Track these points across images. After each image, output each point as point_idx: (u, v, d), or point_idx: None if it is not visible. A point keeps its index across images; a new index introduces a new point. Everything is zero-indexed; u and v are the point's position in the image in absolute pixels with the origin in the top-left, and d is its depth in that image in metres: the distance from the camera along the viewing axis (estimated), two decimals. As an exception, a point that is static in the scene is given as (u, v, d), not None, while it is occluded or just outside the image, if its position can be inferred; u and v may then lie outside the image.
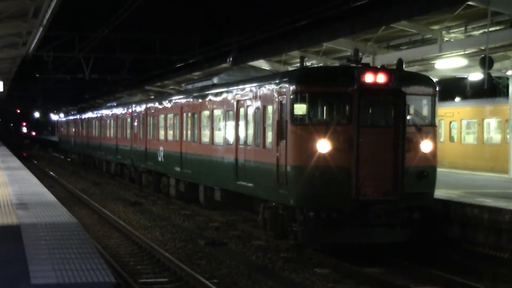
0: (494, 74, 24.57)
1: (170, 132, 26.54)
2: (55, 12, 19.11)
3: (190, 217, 22.97)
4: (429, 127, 15.88)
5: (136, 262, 15.98)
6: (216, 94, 21.19)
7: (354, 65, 16.07)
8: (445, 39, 21.37)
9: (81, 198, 28.75)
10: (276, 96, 16.26)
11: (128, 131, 34.21)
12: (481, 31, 20.67)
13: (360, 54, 16.46)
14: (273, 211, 16.87)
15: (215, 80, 22.89)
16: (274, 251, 16.78)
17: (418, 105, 16.00)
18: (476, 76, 26.92)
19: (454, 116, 31.13)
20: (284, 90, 15.83)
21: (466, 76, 29.95)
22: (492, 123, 29.37)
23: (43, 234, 11.80)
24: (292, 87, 15.53)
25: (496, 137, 28.99)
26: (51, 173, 43.67)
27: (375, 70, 15.58)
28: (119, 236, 19.52)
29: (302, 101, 15.41)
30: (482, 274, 14.29)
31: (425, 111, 16.04)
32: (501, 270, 14.27)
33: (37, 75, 53.64)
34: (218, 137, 20.97)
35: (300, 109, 15.44)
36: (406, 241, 15.46)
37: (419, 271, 14.53)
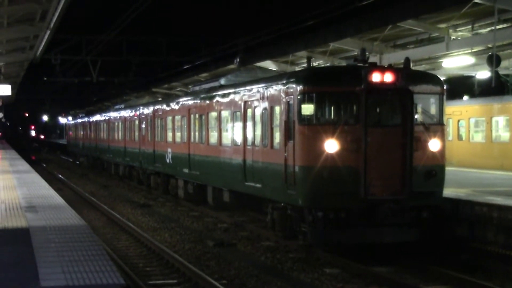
0: (501, 72, 24.59)
1: (178, 134, 26.56)
2: (62, 15, 19.18)
3: (199, 219, 22.99)
4: (437, 126, 15.83)
5: (145, 264, 16.00)
6: (224, 95, 21.19)
7: (361, 64, 16.03)
8: (452, 37, 21.34)
9: (90, 200, 28.80)
10: (284, 96, 16.24)
11: (136, 133, 34.24)
12: (488, 29, 20.63)
13: (367, 53, 16.42)
14: (281, 211, 16.86)
15: (222, 81, 22.90)
16: (283, 251, 16.78)
17: (426, 104, 15.97)
18: (483, 74, 26.91)
19: (462, 114, 31.04)
20: (292, 90, 15.81)
21: (473, 74, 29.91)
22: (500, 121, 29.26)
23: (52, 237, 11.83)
24: (299, 87, 15.51)
25: (504, 135, 28.88)
26: (60, 176, 43.77)
27: (382, 70, 15.53)
28: (128, 238, 19.55)
29: (309, 101, 15.39)
30: (492, 272, 14.25)
31: (433, 110, 16.00)
32: (511, 269, 14.22)
33: (45, 79, 53.76)
34: (226, 138, 20.97)
35: (308, 109, 15.42)
36: (415, 240, 15.42)
37: (428, 270, 14.49)
